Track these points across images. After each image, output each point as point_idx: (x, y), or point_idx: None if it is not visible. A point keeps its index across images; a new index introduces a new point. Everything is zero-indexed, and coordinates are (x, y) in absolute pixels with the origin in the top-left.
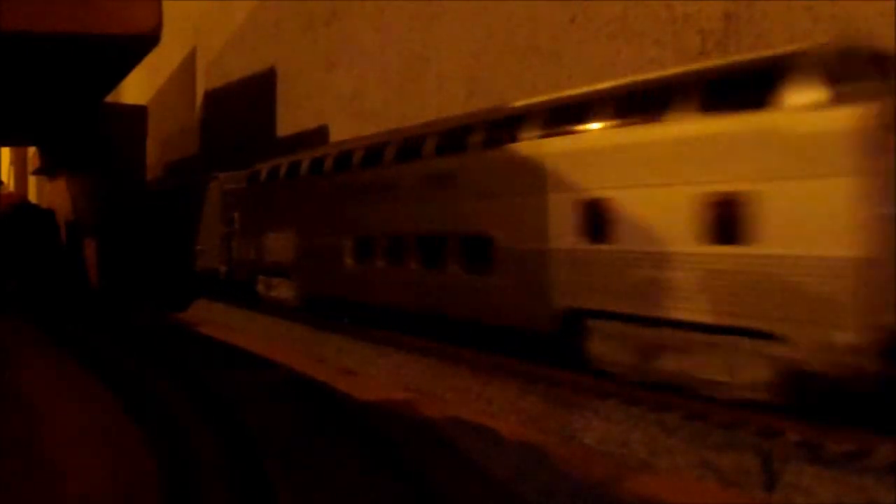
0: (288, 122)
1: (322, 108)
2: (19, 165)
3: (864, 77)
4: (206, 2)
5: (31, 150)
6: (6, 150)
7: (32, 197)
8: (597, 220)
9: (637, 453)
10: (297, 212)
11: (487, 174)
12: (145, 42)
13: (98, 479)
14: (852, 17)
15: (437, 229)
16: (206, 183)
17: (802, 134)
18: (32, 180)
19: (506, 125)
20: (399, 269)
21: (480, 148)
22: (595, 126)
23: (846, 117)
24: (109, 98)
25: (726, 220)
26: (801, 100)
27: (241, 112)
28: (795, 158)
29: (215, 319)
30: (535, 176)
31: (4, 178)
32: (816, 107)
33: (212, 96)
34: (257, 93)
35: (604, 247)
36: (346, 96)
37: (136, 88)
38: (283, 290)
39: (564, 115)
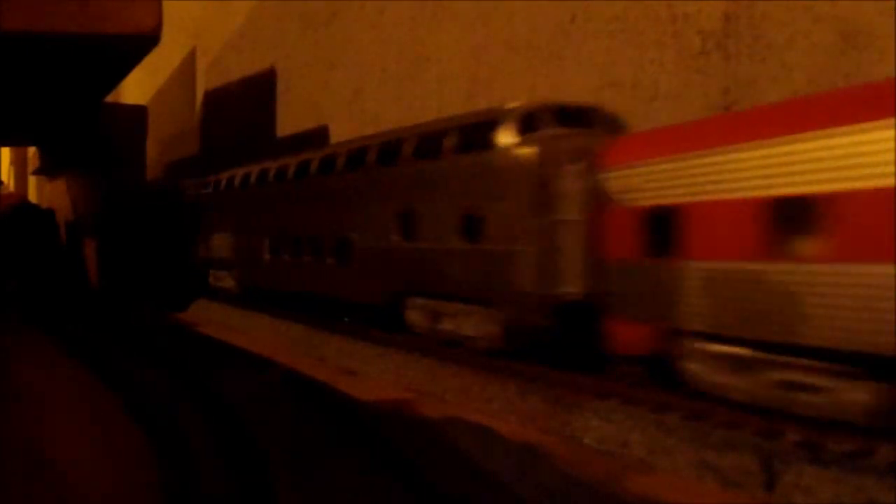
0: (288, 122)
1: (322, 108)
2: (19, 165)
3: (547, 127)
4: (206, 2)
5: (31, 150)
6: (6, 150)
7: (32, 197)
8: (409, 224)
9: (637, 453)
10: (234, 217)
11: (348, 191)
12: (145, 42)
13: (98, 479)
14: (852, 16)
15: (320, 232)
16: (172, 190)
17: (502, 167)
18: (32, 180)
19: (358, 154)
20: (297, 262)
21: (343, 171)
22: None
23: (525, 155)
24: (109, 98)
25: (475, 225)
26: (505, 142)
27: (241, 112)
28: (502, 184)
29: (215, 319)
30: (372, 194)
31: (4, 178)
32: (511, 147)
33: (212, 96)
34: (257, 93)
35: (411, 244)
36: (346, 96)
37: (136, 88)
38: (226, 282)
39: (387, 150)
